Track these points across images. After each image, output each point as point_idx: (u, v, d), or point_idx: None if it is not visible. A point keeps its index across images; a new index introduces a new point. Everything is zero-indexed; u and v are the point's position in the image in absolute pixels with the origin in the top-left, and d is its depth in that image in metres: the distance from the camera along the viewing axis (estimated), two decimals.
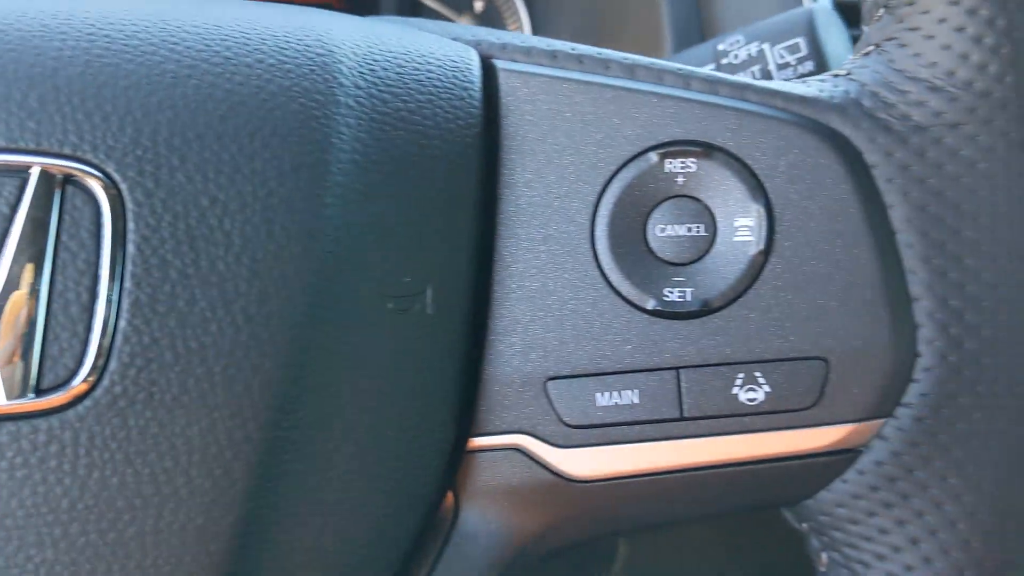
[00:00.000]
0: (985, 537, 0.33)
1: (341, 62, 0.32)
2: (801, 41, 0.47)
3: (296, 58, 0.31)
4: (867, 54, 0.35)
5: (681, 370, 0.33)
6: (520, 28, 0.91)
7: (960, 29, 0.33)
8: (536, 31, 0.90)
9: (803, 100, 0.34)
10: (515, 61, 0.35)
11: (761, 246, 0.33)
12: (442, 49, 0.35)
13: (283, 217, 0.29)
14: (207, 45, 0.31)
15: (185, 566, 0.29)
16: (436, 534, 0.35)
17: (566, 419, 0.34)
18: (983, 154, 0.32)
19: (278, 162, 0.29)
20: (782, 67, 0.47)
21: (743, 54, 0.48)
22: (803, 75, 0.47)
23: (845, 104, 0.34)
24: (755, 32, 0.48)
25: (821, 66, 0.47)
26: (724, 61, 0.49)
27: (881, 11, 0.35)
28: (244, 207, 0.29)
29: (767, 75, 0.47)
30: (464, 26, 0.38)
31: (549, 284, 0.34)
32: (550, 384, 0.34)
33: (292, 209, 0.29)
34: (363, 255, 0.31)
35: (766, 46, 0.48)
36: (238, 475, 0.29)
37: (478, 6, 0.93)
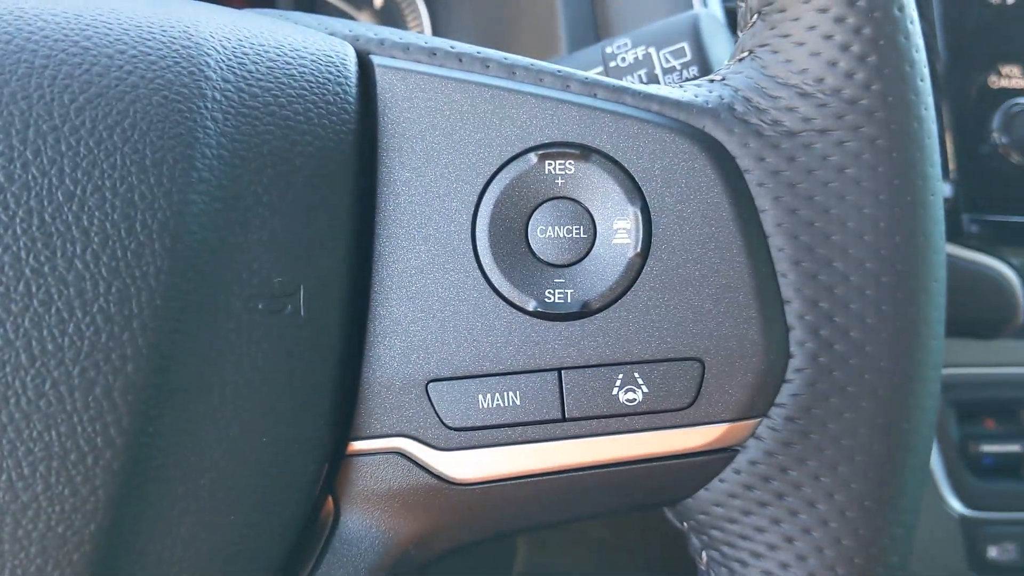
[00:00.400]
0: (855, 535, 0.34)
1: (208, 55, 0.31)
2: (686, 46, 0.48)
3: (160, 49, 0.30)
4: (741, 60, 0.36)
5: (563, 371, 0.33)
6: (420, 25, 0.90)
7: (828, 36, 0.33)
8: (436, 28, 0.90)
9: (678, 104, 0.34)
10: (393, 58, 0.35)
11: (638, 249, 0.33)
12: (316, 44, 0.34)
13: (144, 214, 0.28)
14: (66, 35, 0.30)
15: None
16: (315, 540, 0.35)
17: (447, 422, 0.33)
18: (851, 160, 0.33)
19: (139, 157, 0.28)
20: (668, 71, 0.48)
21: (630, 57, 0.49)
22: (688, 79, 0.48)
23: (718, 109, 0.34)
24: (642, 36, 0.49)
25: (706, 71, 0.48)
26: (612, 64, 0.49)
27: (755, 17, 0.36)
28: (103, 203, 0.28)
29: (654, 79, 0.48)
30: (342, 21, 0.37)
31: (430, 285, 0.33)
32: (431, 386, 0.33)
33: (154, 206, 0.28)
34: (230, 254, 0.30)
35: (652, 50, 0.48)
36: (100, 482, 0.28)
37: (378, 2, 0.92)
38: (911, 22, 0.34)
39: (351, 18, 0.90)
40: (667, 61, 0.48)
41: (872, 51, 0.33)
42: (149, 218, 0.28)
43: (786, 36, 0.34)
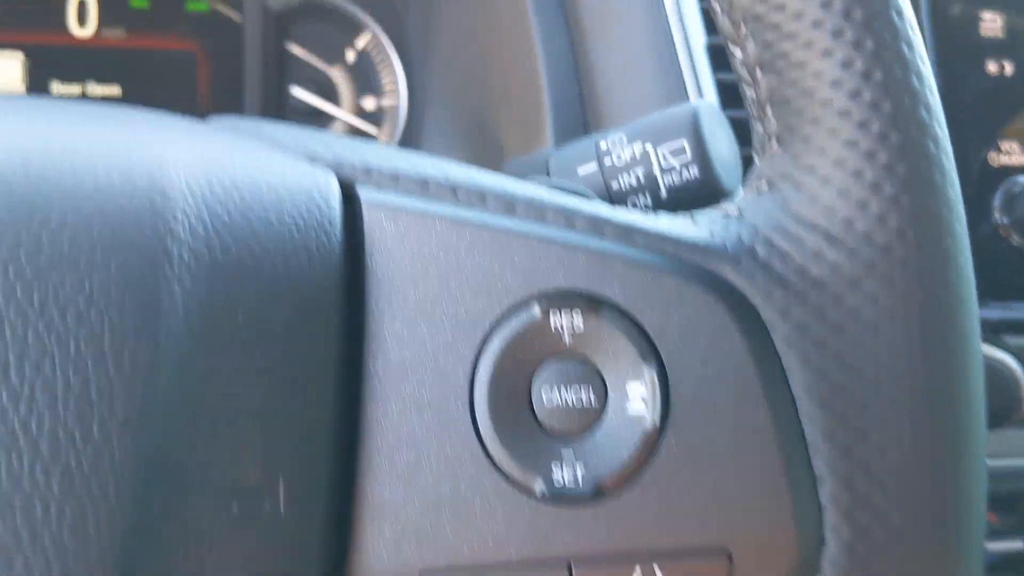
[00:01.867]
0: None
1: (175, 201, 0.27)
2: (685, 143, 0.45)
3: (120, 200, 0.27)
4: (760, 192, 0.33)
5: (572, 563, 0.30)
6: (395, 80, 0.87)
7: (858, 174, 0.31)
8: (412, 89, 0.86)
9: (695, 247, 0.31)
10: (380, 189, 0.31)
11: (656, 418, 0.30)
12: (296, 178, 0.30)
13: (102, 412, 0.24)
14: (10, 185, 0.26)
15: None
16: None
17: None
18: (885, 317, 0.30)
19: (96, 341, 0.25)
20: (667, 171, 0.45)
21: (626, 155, 0.46)
22: (688, 180, 0.45)
23: (738, 253, 0.31)
24: (638, 131, 0.46)
25: (706, 170, 0.45)
26: (607, 162, 0.46)
27: (774, 143, 0.33)
28: (54, 403, 0.24)
29: (652, 179, 0.45)
30: (323, 139, 0.33)
31: (423, 460, 0.29)
32: None
33: (113, 404, 0.25)
34: (198, 451, 0.26)
35: (650, 146, 0.45)
36: None
37: (350, 57, 0.88)
38: (947, 157, 0.31)
39: (323, 74, 0.86)
40: (666, 160, 0.45)
41: (906, 192, 0.30)
42: (107, 417, 0.24)
43: (811, 170, 0.31)
